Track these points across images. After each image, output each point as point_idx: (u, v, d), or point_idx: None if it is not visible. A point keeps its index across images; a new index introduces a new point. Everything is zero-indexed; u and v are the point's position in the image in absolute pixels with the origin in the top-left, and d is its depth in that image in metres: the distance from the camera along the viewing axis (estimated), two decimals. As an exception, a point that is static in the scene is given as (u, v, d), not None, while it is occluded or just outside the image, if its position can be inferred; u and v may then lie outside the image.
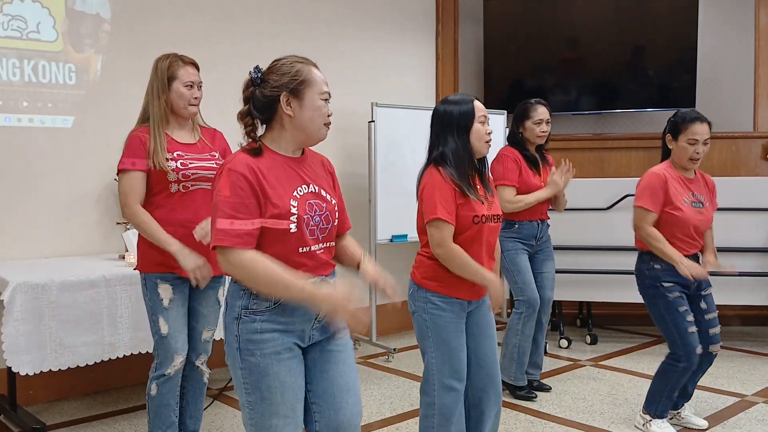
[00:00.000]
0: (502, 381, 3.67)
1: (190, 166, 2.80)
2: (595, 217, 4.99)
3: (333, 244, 2.07)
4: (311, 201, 1.97)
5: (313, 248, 1.97)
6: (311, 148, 2.11)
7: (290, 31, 4.95)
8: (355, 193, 4.97)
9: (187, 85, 2.81)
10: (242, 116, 1.99)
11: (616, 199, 4.95)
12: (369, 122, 4.88)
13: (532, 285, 3.85)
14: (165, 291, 2.80)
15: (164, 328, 2.81)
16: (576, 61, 5.85)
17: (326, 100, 1.99)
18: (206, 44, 4.49)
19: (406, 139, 5.00)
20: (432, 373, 2.60)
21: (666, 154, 3.35)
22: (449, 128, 2.55)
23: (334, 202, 2.05)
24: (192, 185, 2.81)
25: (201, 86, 2.89)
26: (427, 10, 5.90)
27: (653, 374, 3.40)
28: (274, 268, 1.84)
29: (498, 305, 2.58)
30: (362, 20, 5.41)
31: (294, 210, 1.92)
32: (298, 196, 1.95)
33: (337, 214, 2.06)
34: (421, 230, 2.60)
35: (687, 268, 3.12)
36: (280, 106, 1.94)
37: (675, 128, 3.24)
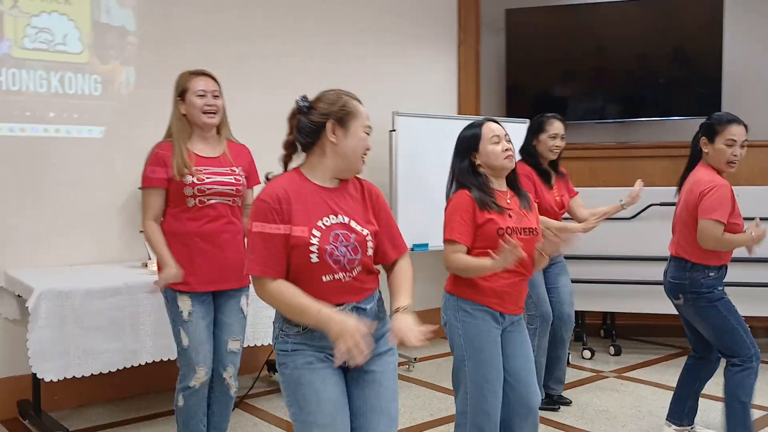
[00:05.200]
0: None
1: (207, 180, 2.83)
2: (620, 226, 4.93)
3: (360, 269, 2.05)
4: (337, 231, 2.00)
5: (338, 276, 2.00)
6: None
7: (312, 40, 4.98)
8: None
9: (198, 95, 2.85)
10: (287, 145, 2.09)
11: (640, 209, 4.90)
12: (390, 131, 4.89)
13: (545, 300, 3.79)
14: (184, 303, 2.83)
15: (185, 341, 2.83)
16: (599, 70, 5.81)
17: (368, 133, 2.07)
18: (230, 53, 4.53)
19: (427, 149, 5.00)
20: (465, 382, 2.56)
21: (694, 159, 3.22)
22: (457, 152, 2.70)
23: (365, 233, 2.05)
24: (208, 199, 2.85)
25: (217, 95, 2.91)
26: (448, 19, 5.90)
27: (676, 386, 3.34)
28: (294, 295, 1.94)
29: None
30: (383, 29, 5.43)
31: (314, 241, 1.96)
32: (323, 227, 1.98)
33: (369, 244, 2.06)
34: None
35: (757, 235, 3.02)
36: (326, 132, 2.02)
37: (711, 130, 3.12)
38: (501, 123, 2.70)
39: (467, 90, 5.97)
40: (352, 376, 2.07)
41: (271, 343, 2.12)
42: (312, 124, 2.02)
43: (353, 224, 2.04)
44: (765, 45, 5.66)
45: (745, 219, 3.15)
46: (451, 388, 4.31)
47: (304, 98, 2.06)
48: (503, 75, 5.93)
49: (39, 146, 3.93)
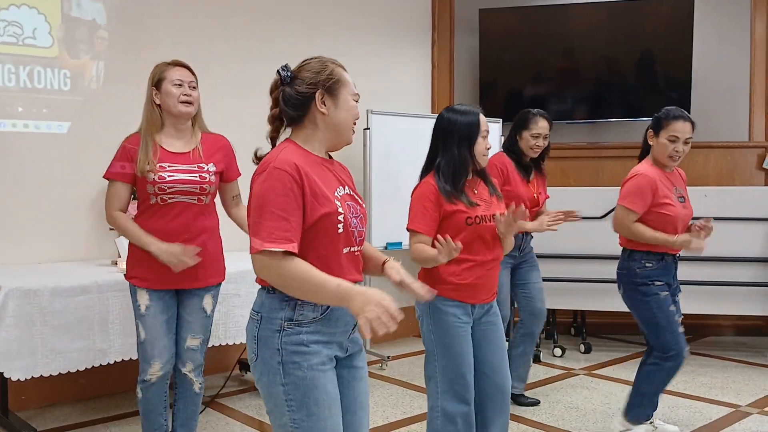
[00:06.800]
0: None
1: (168, 179, 2.78)
2: (590, 225, 4.99)
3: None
4: (348, 203, 1.92)
5: (353, 249, 1.93)
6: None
7: (287, 38, 4.96)
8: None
9: (175, 84, 2.82)
10: (272, 120, 1.95)
11: (610, 208, 4.95)
12: (364, 129, 4.88)
13: (507, 302, 3.77)
14: (142, 298, 2.84)
15: (142, 334, 2.85)
16: (571, 71, 5.87)
17: (356, 101, 1.98)
18: (202, 49, 4.49)
19: (401, 147, 5.00)
20: (436, 377, 2.59)
21: (646, 150, 3.30)
22: (452, 138, 2.59)
23: (363, 205, 2.02)
24: (170, 198, 2.81)
25: (194, 86, 2.88)
26: (423, 19, 5.92)
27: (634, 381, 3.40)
28: (308, 270, 1.75)
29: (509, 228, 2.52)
30: (358, 29, 5.43)
31: (340, 210, 1.86)
32: (339, 196, 1.89)
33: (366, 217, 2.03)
34: None
35: (682, 242, 3.08)
36: (314, 103, 1.90)
37: (657, 124, 3.20)
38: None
39: (441, 89, 5.99)
40: (341, 373, 1.97)
41: (253, 337, 1.88)
42: (299, 95, 1.89)
43: (355, 196, 1.99)
44: (734, 48, 5.75)
45: (720, 219, 3.16)
46: (424, 386, 4.32)
47: (286, 68, 1.93)
48: (476, 74, 5.96)
49: (7, 141, 3.86)
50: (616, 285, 4.85)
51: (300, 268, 1.75)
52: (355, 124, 1.99)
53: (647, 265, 3.19)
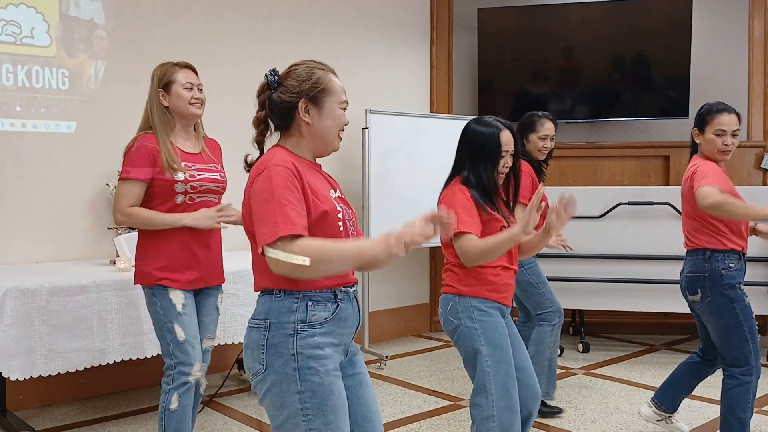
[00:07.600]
0: None
1: (198, 177, 2.78)
2: (588, 225, 4.99)
3: None
4: (342, 205, 1.90)
5: None
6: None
7: (284, 37, 4.96)
8: (348, 200, 4.97)
9: (186, 87, 2.80)
10: (257, 122, 1.92)
11: (608, 207, 4.96)
12: (363, 129, 4.88)
13: (554, 294, 3.78)
14: (177, 297, 2.74)
15: (180, 334, 2.72)
16: (570, 70, 5.87)
17: (344, 109, 1.93)
18: (200, 48, 4.49)
19: (400, 147, 5.01)
20: (489, 382, 2.50)
21: (694, 150, 3.14)
22: (477, 155, 2.57)
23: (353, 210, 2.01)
24: (198, 197, 2.79)
25: (201, 88, 2.87)
26: (421, 18, 5.91)
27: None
28: (327, 242, 1.71)
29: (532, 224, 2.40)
30: (357, 28, 5.43)
31: (339, 208, 1.85)
32: (333, 198, 1.88)
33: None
34: (446, 244, 2.59)
35: None
36: (298, 113, 1.87)
37: (701, 120, 3.05)
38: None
39: (440, 88, 5.99)
40: (347, 383, 1.90)
41: (261, 347, 1.80)
42: (282, 104, 1.87)
43: (346, 200, 1.97)
44: (732, 47, 5.76)
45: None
46: (423, 386, 4.32)
47: (274, 72, 1.90)
48: (475, 74, 5.96)
49: (5, 141, 3.85)
50: (614, 284, 4.88)
51: (313, 241, 1.70)
52: (342, 130, 1.95)
53: (731, 265, 2.96)
